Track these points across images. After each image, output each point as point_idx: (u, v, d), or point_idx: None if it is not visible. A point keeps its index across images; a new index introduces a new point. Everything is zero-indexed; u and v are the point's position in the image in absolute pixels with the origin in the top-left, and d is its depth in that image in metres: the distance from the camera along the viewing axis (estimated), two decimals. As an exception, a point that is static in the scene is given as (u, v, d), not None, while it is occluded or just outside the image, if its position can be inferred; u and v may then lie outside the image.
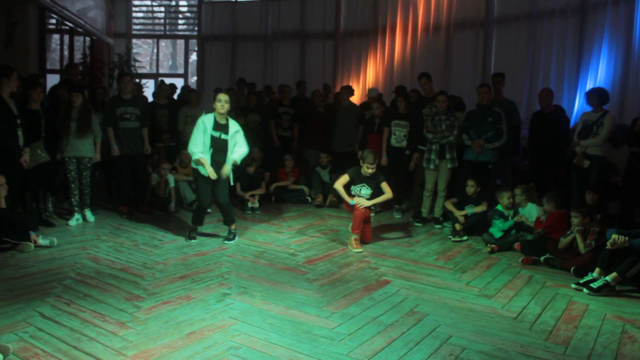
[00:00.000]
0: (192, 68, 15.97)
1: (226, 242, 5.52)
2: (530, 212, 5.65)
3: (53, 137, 5.99)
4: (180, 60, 17.40)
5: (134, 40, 14.46)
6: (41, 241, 5.05)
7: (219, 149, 5.37)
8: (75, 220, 6.05)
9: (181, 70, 15.85)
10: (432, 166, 6.35)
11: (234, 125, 5.45)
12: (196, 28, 13.68)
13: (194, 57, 15.25)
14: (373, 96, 8.17)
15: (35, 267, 4.48)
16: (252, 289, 4.15)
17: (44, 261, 4.66)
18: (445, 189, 6.44)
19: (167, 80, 9.40)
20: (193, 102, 7.89)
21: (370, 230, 5.67)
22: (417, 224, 6.55)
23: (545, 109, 6.46)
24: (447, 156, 6.33)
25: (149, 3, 14.17)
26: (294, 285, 4.25)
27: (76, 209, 6.10)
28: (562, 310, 3.88)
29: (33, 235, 5.03)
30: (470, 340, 3.32)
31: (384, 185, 5.66)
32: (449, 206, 6.15)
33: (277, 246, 5.45)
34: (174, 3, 14.15)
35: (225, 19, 13.04)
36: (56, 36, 10.12)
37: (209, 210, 6.86)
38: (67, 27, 10.39)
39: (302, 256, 5.11)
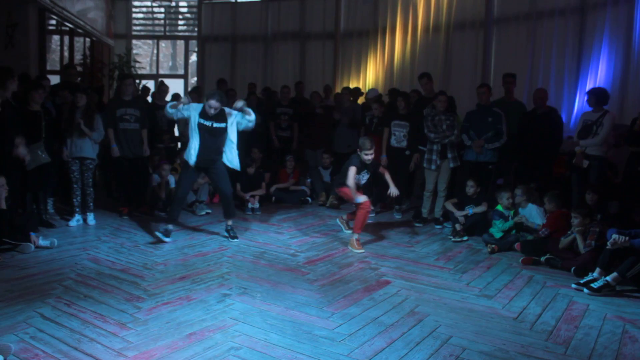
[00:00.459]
0: (192, 69, 15.97)
1: (232, 240, 5.59)
2: (531, 212, 5.65)
3: (55, 138, 6.00)
4: (180, 61, 17.40)
5: (134, 41, 14.45)
6: (41, 242, 5.05)
7: (213, 136, 5.41)
8: (75, 221, 6.05)
9: (181, 71, 15.84)
10: (433, 166, 6.34)
11: (231, 112, 5.50)
12: (196, 29, 13.68)
13: (194, 57, 15.24)
14: (372, 97, 8.17)
15: (35, 268, 4.48)
16: (253, 289, 4.15)
17: (44, 262, 4.66)
18: (446, 189, 6.44)
19: (167, 81, 9.40)
20: (162, 95, 7.96)
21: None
22: (417, 225, 6.54)
23: (538, 108, 6.44)
24: (449, 155, 6.33)
25: (149, 4, 14.17)
26: (295, 286, 4.25)
27: (77, 209, 6.10)
28: (562, 311, 3.88)
29: (33, 236, 5.03)
30: (471, 340, 3.32)
31: (382, 170, 5.79)
32: (449, 206, 6.15)
33: (278, 247, 5.45)
34: (173, 4, 14.15)
35: (225, 20, 13.04)
36: (56, 37, 10.12)
37: (209, 211, 6.88)
38: (67, 28, 10.39)
39: (303, 257, 5.11)
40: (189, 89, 13.73)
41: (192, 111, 5.40)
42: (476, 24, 10.10)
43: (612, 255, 4.34)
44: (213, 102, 5.32)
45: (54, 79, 9.19)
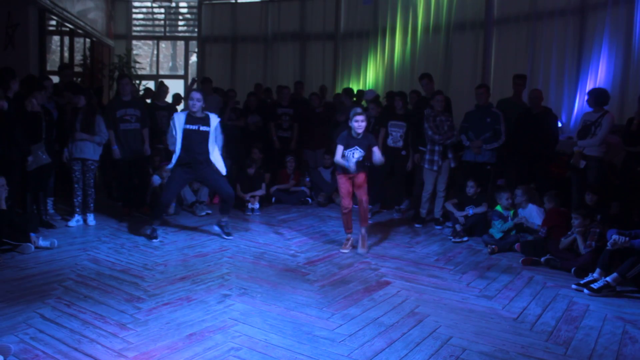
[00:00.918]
0: (192, 69, 15.96)
1: (226, 237, 5.65)
2: (531, 212, 5.64)
3: (56, 139, 6.00)
4: (181, 61, 17.40)
5: (134, 42, 14.46)
6: (41, 243, 5.05)
7: (198, 142, 5.43)
8: (75, 222, 6.05)
9: (181, 72, 15.84)
10: (435, 167, 6.32)
11: (214, 119, 5.56)
12: (196, 29, 13.69)
13: (194, 58, 15.25)
14: (369, 98, 8.17)
15: (35, 269, 4.48)
16: (253, 290, 4.15)
17: (44, 263, 4.66)
18: (445, 189, 6.43)
19: (167, 82, 9.41)
20: (162, 96, 7.93)
21: (362, 188, 5.35)
22: (417, 225, 6.54)
23: (534, 109, 6.44)
24: (450, 155, 6.33)
25: (149, 4, 14.18)
26: (295, 287, 4.25)
27: (77, 210, 6.10)
28: (562, 311, 3.88)
29: (33, 236, 5.02)
30: (471, 341, 3.32)
31: (376, 150, 5.34)
32: (450, 207, 6.15)
33: (278, 247, 5.45)
34: (174, 4, 14.16)
35: (225, 21, 13.05)
36: (56, 37, 10.12)
37: (209, 212, 6.88)
38: (67, 29, 10.39)
39: (303, 257, 5.10)
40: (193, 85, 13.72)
41: (176, 122, 5.43)
42: (476, 25, 10.11)
43: (613, 256, 4.34)
44: (195, 94, 5.41)
45: (54, 80, 9.20)
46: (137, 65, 13.12)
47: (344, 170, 5.28)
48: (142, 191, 6.85)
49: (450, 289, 4.31)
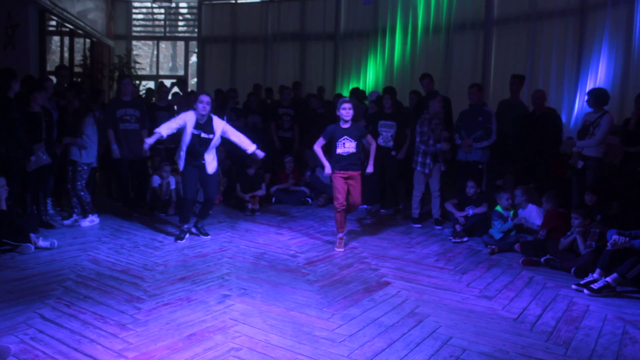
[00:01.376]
0: (192, 70, 15.97)
1: (203, 236, 5.70)
2: (531, 213, 5.64)
3: (57, 140, 6.01)
4: (181, 62, 17.41)
5: (134, 42, 14.47)
6: (41, 243, 5.05)
7: (199, 146, 5.45)
8: (71, 221, 6.06)
9: (181, 72, 15.86)
10: (427, 170, 6.31)
11: (219, 123, 5.52)
12: (196, 30, 13.69)
13: (194, 58, 15.26)
14: (372, 99, 8.18)
15: (35, 269, 4.48)
16: (253, 290, 4.15)
17: (44, 263, 4.66)
18: (440, 189, 6.41)
19: (167, 82, 9.41)
20: (163, 96, 7.92)
21: (357, 191, 5.47)
22: (415, 225, 6.53)
23: (537, 109, 6.45)
24: (439, 159, 6.33)
25: (149, 5, 14.18)
26: (295, 287, 4.25)
27: (76, 210, 6.11)
28: (562, 311, 3.87)
29: (33, 237, 5.03)
30: (471, 341, 3.32)
31: (370, 138, 5.53)
32: (450, 207, 6.15)
33: (278, 247, 5.45)
34: (173, 5, 14.16)
35: (225, 21, 13.06)
36: (56, 38, 10.12)
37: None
38: (67, 29, 10.40)
39: (303, 257, 5.10)
40: (189, 89, 13.73)
41: (188, 120, 5.42)
42: (476, 25, 10.12)
43: (613, 256, 4.34)
44: (204, 97, 5.39)
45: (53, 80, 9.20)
46: (137, 66, 13.13)
47: (340, 168, 5.37)
48: (142, 191, 6.84)
49: (450, 289, 4.31)
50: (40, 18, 8.96)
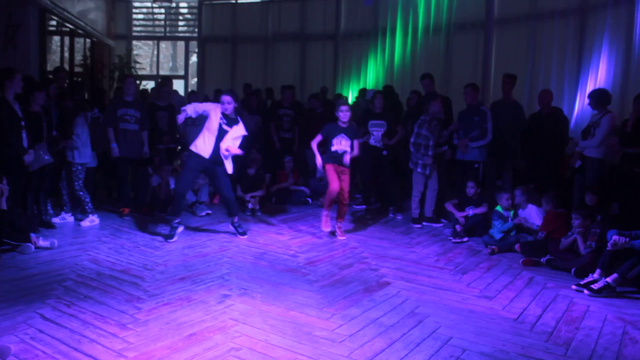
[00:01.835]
0: (193, 70, 15.98)
1: (240, 236, 5.76)
2: (531, 213, 5.64)
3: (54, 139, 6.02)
4: (181, 61, 17.41)
5: (135, 42, 14.47)
6: (41, 243, 5.05)
7: (220, 137, 5.48)
8: (59, 218, 6.11)
9: (181, 72, 15.86)
10: (427, 171, 6.33)
11: (241, 127, 5.59)
12: (196, 30, 13.70)
13: (194, 58, 15.27)
14: (369, 98, 8.18)
15: (35, 269, 4.48)
16: (253, 290, 4.14)
17: (45, 263, 4.66)
18: (436, 188, 6.43)
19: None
20: (164, 96, 7.88)
21: (346, 183, 5.76)
22: (416, 225, 6.52)
23: (543, 110, 6.47)
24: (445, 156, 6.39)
25: (149, 5, 14.19)
26: (295, 287, 4.25)
27: (65, 207, 6.19)
28: (562, 312, 3.87)
29: (33, 236, 5.02)
30: (471, 341, 3.32)
31: (356, 144, 5.77)
32: (450, 207, 6.15)
33: (278, 247, 5.45)
34: (174, 5, 14.17)
35: (226, 21, 13.07)
36: (56, 38, 10.12)
37: (209, 212, 6.88)
38: (68, 29, 10.40)
39: (303, 257, 5.10)
40: (189, 89, 13.76)
41: (212, 111, 5.48)
42: (476, 25, 10.12)
43: (613, 257, 4.34)
44: (224, 97, 5.47)
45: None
46: (138, 66, 13.13)
47: (333, 161, 5.69)
48: (142, 191, 6.84)
49: (450, 289, 4.31)
50: (40, 18, 8.97)
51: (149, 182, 6.89)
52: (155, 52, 15.26)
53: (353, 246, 5.56)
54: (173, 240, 5.50)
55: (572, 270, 4.68)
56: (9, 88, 5.23)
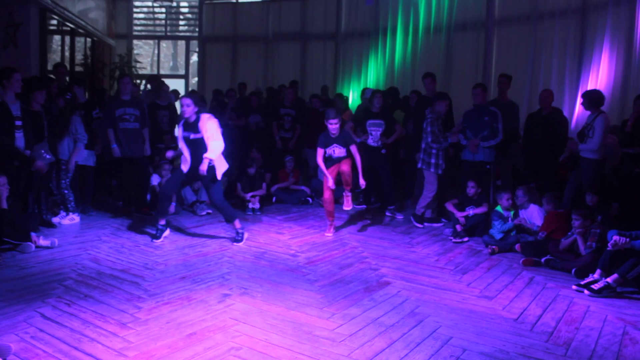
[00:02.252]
0: (193, 69, 15.98)
1: (235, 243, 5.51)
2: (532, 213, 5.64)
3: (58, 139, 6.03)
4: (181, 61, 17.42)
5: (135, 41, 14.47)
6: (42, 242, 5.05)
7: (194, 149, 5.33)
8: (58, 217, 6.10)
9: (182, 72, 15.86)
10: (440, 171, 6.32)
11: (205, 121, 5.23)
12: (197, 29, 13.70)
13: (194, 58, 15.27)
14: (367, 97, 8.17)
15: (36, 268, 4.48)
16: (253, 289, 4.15)
17: (45, 262, 4.66)
18: (434, 189, 6.43)
19: (168, 82, 9.40)
20: (164, 95, 7.86)
21: (346, 166, 5.79)
22: (418, 225, 6.52)
23: (544, 109, 6.47)
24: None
25: (149, 4, 14.19)
26: (295, 286, 4.25)
27: (70, 208, 6.18)
28: (563, 312, 3.87)
29: (34, 235, 5.03)
30: (471, 341, 3.32)
31: (353, 150, 5.84)
32: (450, 207, 6.14)
33: (278, 247, 5.45)
34: (174, 4, 14.17)
35: (226, 20, 13.06)
36: (57, 37, 10.13)
37: (209, 211, 6.88)
38: (68, 28, 10.40)
39: (303, 257, 5.10)
40: (190, 89, 13.76)
41: (176, 131, 5.53)
42: (477, 25, 10.11)
43: (613, 257, 4.34)
44: (184, 99, 5.31)
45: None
46: (138, 65, 13.14)
47: (331, 164, 5.84)
48: (142, 191, 6.84)
49: (450, 289, 4.31)
50: (41, 17, 8.97)
51: (149, 181, 6.89)
52: (156, 52, 15.26)
53: (353, 246, 5.56)
54: (159, 240, 5.46)
55: (573, 270, 4.68)
56: (6, 88, 5.22)
